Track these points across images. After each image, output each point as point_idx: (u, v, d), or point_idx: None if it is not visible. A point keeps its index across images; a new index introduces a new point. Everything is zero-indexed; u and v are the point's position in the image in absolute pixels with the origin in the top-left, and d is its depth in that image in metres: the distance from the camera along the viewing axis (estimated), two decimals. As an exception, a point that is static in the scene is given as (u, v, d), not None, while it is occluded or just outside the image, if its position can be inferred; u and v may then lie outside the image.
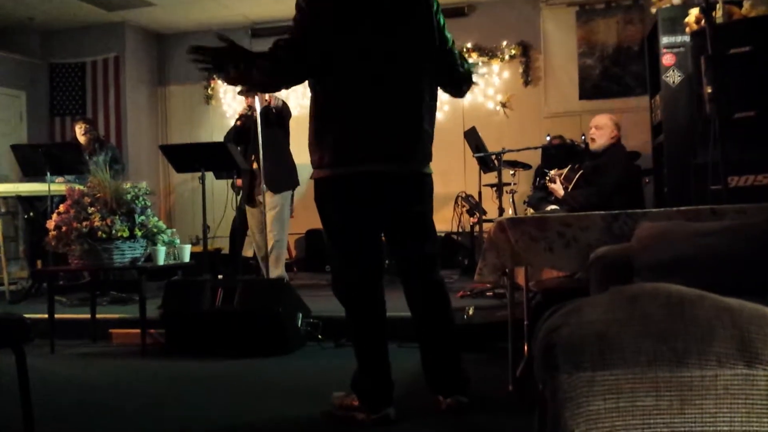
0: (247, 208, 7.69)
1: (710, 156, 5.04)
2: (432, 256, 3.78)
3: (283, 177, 7.45)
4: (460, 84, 3.90)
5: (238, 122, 7.52)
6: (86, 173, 6.77)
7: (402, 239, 3.75)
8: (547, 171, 6.97)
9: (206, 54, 3.45)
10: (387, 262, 6.88)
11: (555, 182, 6.61)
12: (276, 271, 7.35)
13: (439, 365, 3.73)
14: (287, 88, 3.86)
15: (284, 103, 7.63)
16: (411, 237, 3.73)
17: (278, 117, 7.41)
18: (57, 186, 7.74)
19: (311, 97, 3.67)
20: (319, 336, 5.65)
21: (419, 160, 3.65)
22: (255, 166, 7.10)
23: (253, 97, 7.17)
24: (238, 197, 8.62)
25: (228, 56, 3.47)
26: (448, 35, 3.73)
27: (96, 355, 5.81)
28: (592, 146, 6.48)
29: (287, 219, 7.63)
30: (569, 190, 6.56)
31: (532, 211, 6.99)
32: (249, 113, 7.46)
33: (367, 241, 3.66)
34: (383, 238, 3.78)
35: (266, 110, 7.30)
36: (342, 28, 3.49)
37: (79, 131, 9.02)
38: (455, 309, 4.11)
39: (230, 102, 11.48)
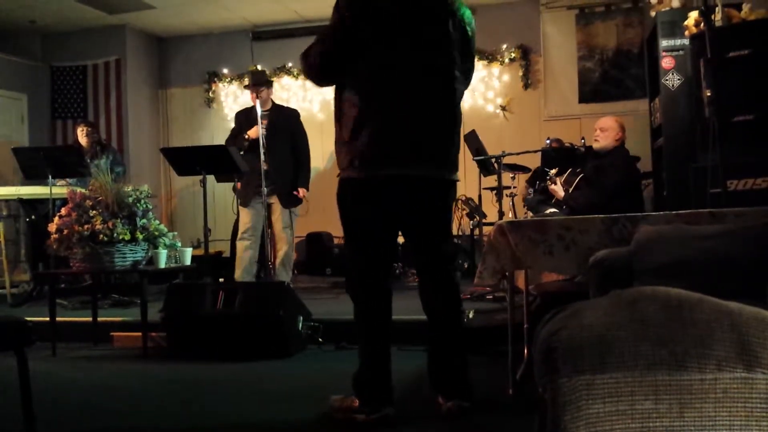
0: (243, 209, 7.67)
1: (709, 159, 5.05)
2: (450, 256, 3.87)
3: (294, 195, 7.53)
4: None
5: (247, 135, 7.50)
6: (87, 176, 6.78)
7: (422, 240, 3.82)
8: (547, 170, 6.98)
9: None
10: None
11: (555, 183, 6.63)
12: (286, 274, 7.41)
13: (447, 368, 3.75)
14: (321, 86, 3.99)
15: (292, 114, 7.66)
16: (431, 238, 3.80)
17: (285, 126, 7.46)
18: (58, 189, 7.75)
19: (337, 99, 3.71)
20: (320, 339, 5.66)
21: (449, 167, 3.74)
22: (266, 167, 7.10)
23: (257, 96, 7.22)
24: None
25: None
26: (473, 48, 3.83)
27: (97, 358, 5.82)
28: (595, 146, 6.51)
29: (294, 223, 7.69)
30: (569, 192, 6.57)
31: (531, 214, 7.00)
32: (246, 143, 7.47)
33: (384, 243, 3.73)
34: (401, 238, 3.84)
35: (273, 114, 7.37)
36: (378, 36, 3.54)
37: (81, 134, 9.04)
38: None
39: (231, 105, 11.48)
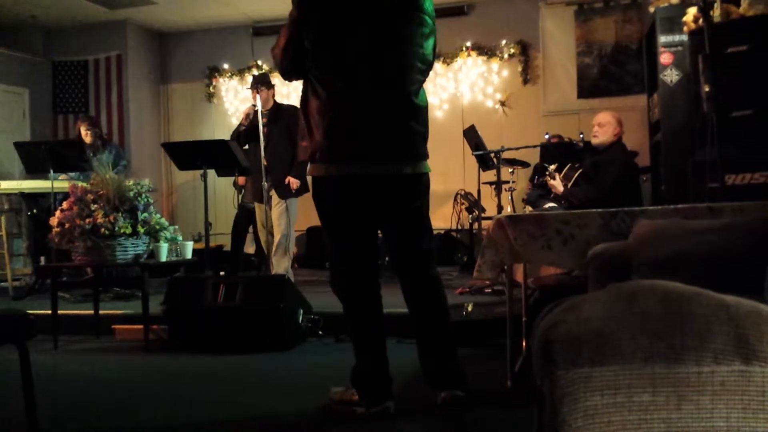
0: (256, 204, 7.74)
1: (708, 154, 5.06)
2: (427, 253, 3.81)
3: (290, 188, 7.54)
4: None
5: (244, 121, 7.54)
6: (89, 170, 6.79)
7: (398, 236, 3.80)
8: (546, 165, 6.98)
9: None
10: (386, 258, 6.96)
11: (555, 179, 6.63)
12: (283, 265, 7.40)
13: (435, 360, 3.76)
14: (290, 81, 3.87)
15: (291, 110, 7.69)
16: (406, 234, 3.78)
17: (284, 123, 7.49)
18: (60, 183, 7.76)
19: (302, 93, 3.71)
20: (320, 332, 5.68)
21: (411, 161, 3.67)
22: (266, 163, 7.20)
23: (257, 94, 7.27)
24: (240, 195, 8.67)
25: None
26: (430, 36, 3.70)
27: (99, 351, 5.84)
28: (594, 142, 6.49)
29: (294, 215, 7.68)
30: (568, 187, 6.58)
31: (530, 208, 7.01)
32: (242, 128, 7.53)
33: (363, 239, 3.70)
34: (380, 234, 3.82)
35: (272, 113, 7.38)
36: (335, 28, 3.52)
37: (83, 130, 9.03)
38: (454, 306, 4.16)
39: (232, 100, 11.51)
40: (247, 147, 7.48)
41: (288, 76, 3.78)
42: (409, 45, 3.60)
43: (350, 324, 3.75)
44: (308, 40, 3.53)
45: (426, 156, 3.74)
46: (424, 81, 3.75)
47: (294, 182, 7.45)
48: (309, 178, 3.80)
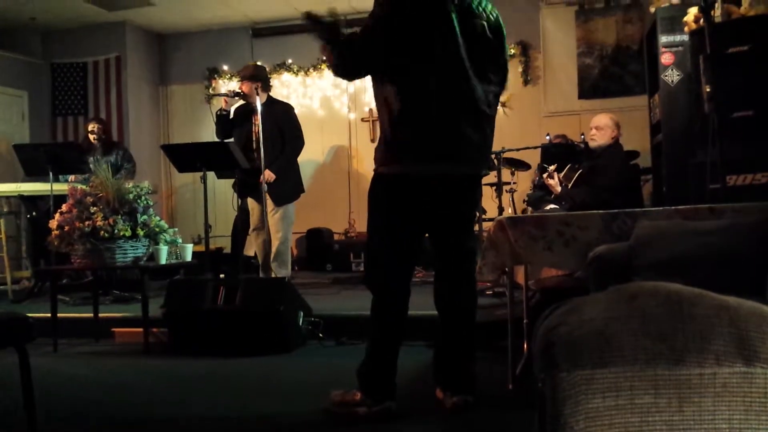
0: (251, 206, 7.68)
1: (709, 155, 5.05)
2: (473, 250, 3.87)
3: (286, 191, 7.47)
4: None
5: (224, 106, 7.51)
6: (88, 173, 6.77)
7: (448, 235, 3.82)
8: (546, 166, 6.96)
9: (318, 24, 3.59)
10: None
11: (553, 178, 6.60)
12: (282, 271, 7.35)
13: (455, 362, 3.77)
14: (354, 78, 3.88)
15: (284, 107, 7.63)
16: (456, 233, 3.81)
17: (277, 120, 7.40)
18: (60, 186, 7.74)
19: (379, 94, 3.68)
20: (320, 335, 5.67)
21: (483, 163, 3.77)
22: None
23: (227, 100, 7.29)
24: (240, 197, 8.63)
25: (327, 32, 3.59)
26: (506, 48, 3.81)
27: (99, 354, 5.82)
28: (592, 145, 6.48)
29: (291, 220, 7.62)
30: (568, 188, 6.55)
31: (531, 210, 6.99)
32: (223, 113, 7.51)
33: (415, 240, 3.73)
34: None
35: (264, 110, 7.28)
36: (420, 30, 3.51)
37: (87, 131, 8.97)
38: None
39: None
40: (232, 139, 7.41)
41: (355, 74, 3.78)
42: (490, 47, 3.67)
43: (374, 319, 3.74)
44: (391, 40, 3.52)
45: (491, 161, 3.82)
46: (502, 89, 3.81)
47: (270, 175, 7.30)
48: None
